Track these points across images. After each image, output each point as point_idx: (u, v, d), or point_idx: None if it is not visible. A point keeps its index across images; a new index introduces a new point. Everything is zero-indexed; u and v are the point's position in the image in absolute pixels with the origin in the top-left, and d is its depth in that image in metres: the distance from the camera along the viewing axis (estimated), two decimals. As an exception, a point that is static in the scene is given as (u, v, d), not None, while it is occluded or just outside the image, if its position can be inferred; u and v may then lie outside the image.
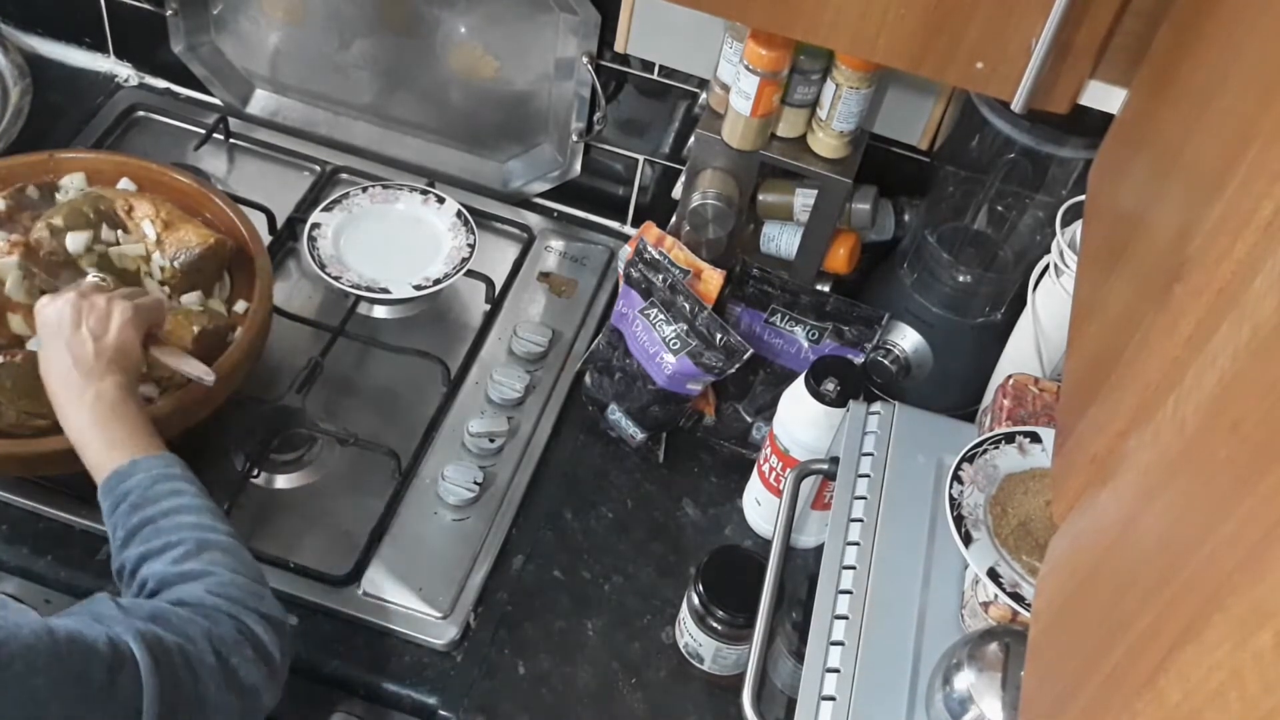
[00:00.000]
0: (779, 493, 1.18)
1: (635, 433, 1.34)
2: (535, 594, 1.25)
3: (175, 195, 1.34)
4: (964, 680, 0.85)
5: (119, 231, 1.29)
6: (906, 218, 1.40)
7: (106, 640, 0.86)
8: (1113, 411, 0.63)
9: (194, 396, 1.18)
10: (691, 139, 1.36)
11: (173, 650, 0.89)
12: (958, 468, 0.96)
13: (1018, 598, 0.87)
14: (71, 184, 1.33)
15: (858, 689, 0.89)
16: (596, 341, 1.39)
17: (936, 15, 0.93)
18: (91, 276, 1.22)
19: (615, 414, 1.35)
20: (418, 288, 1.41)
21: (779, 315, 1.34)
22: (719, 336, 1.26)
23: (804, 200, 1.34)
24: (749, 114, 1.22)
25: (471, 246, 1.45)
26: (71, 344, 1.06)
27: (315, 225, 1.45)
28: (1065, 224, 1.14)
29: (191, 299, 1.27)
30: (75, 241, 1.25)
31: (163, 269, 1.27)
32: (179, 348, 1.17)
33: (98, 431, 1.04)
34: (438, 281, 1.41)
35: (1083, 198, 1.01)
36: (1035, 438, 0.99)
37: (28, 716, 0.81)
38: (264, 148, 1.61)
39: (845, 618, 0.93)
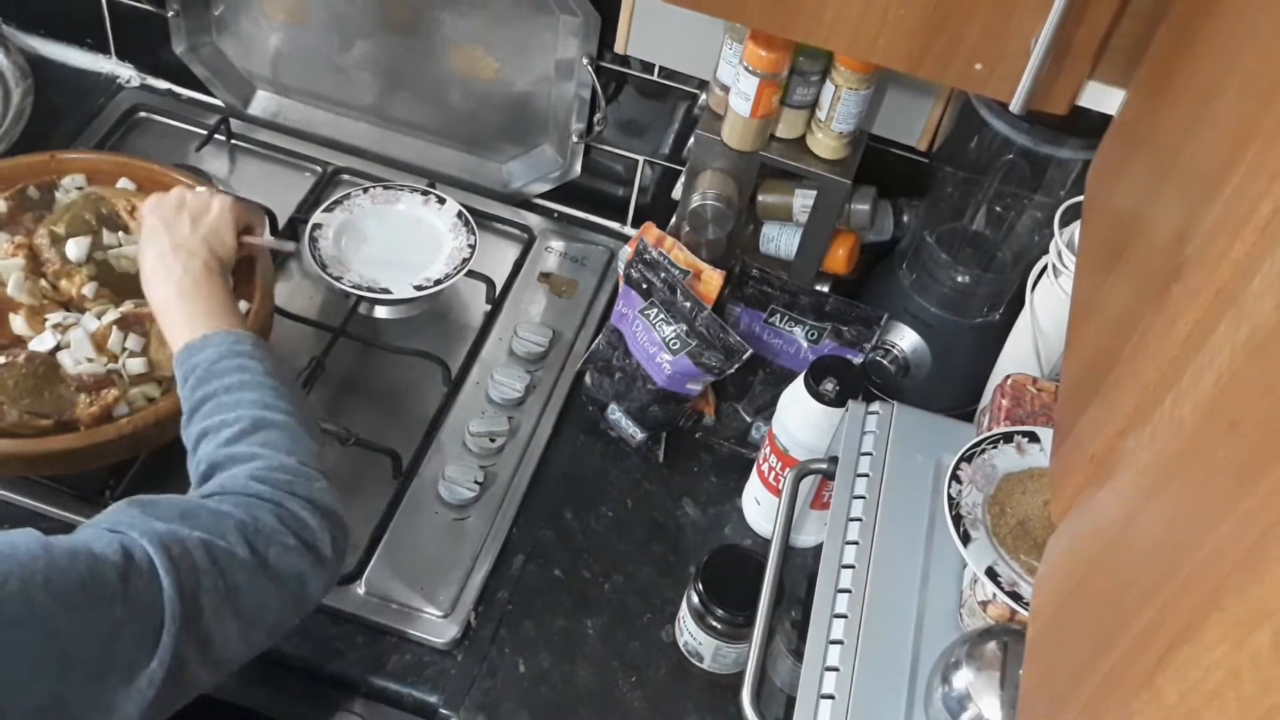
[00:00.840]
0: (778, 492, 1.18)
1: (635, 433, 1.34)
2: (535, 593, 1.25)
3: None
4: (962, 679, 0.85)
5: (120, 234, 1.29)
6: (905, 218, 1.40)
7: (118, 547, 0.84)
8: (1111, 411, 0.63)
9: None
10: (691, 140, 1.37)
11: (194, 548, 0.87)
12: (956, 467, 0.96)
13: (1016, 597, 0.87)
14: (71, 184, 1.34)
15: (857, 687, 0.89)
16: (596, 341, 1.39)
17: (935, 16, 0.93)
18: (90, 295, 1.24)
19: (615, 414, 1.35)
20: (418, 288, 1.41)
21: (778, 315, 1.34)
22: (719, 336, 1.26)
23: (803, 201, 1.35)
24: (748, 115, 1.23)
25: (472, 247, 1.45)
26: (172, 223, 1.15)
27: (316, 226, 1.45)
28: (1064, 224, 1.14)
29: None
30: (76, 248, 1.25)
31: None
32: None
33: (180, 305, 1.08)
34: (438, 282, 1.42)
35: (1081, 198, 1.01)
36: (1033, 437, 0.99)
37: (39, 634, 0.78)
38: (265, 148, 1.61)
39: (844, 616, 0.93)
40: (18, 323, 1.21)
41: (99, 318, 1.22)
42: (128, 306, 1.26)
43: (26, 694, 0.78)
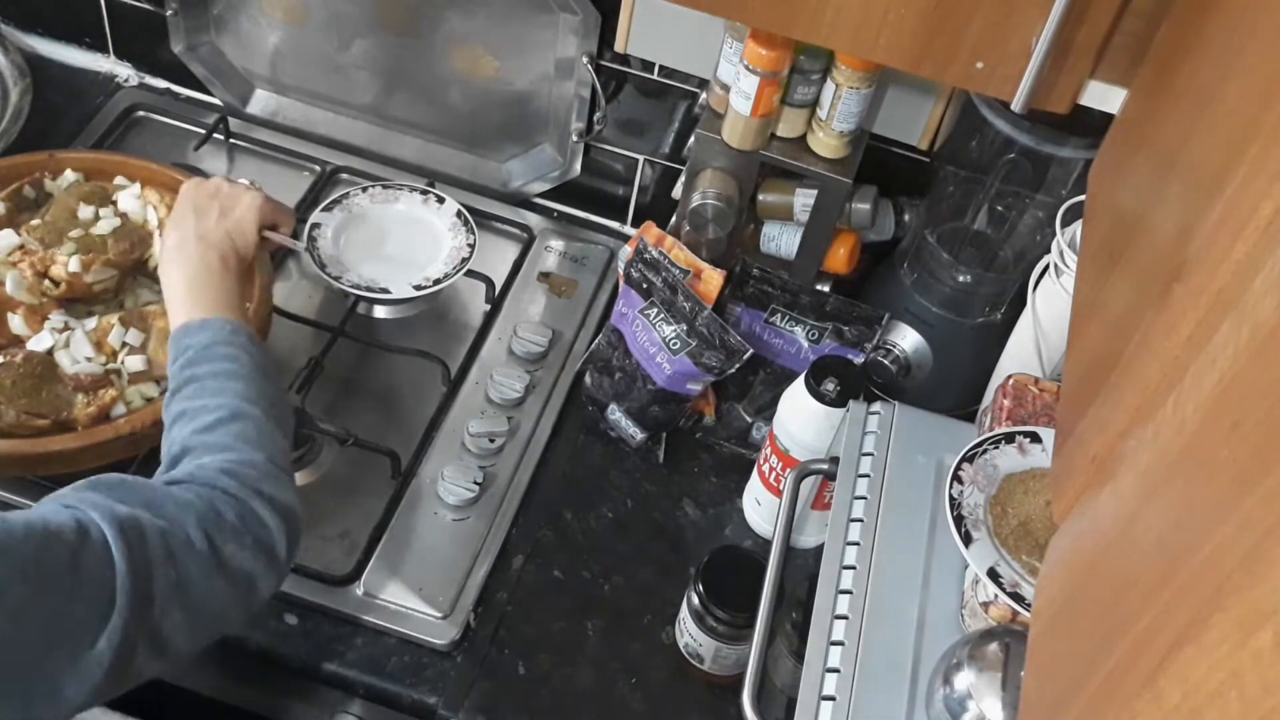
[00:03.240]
0: (779, 493, 1.18)
1: (635, 433, 1.34)
2: (535, 594, 1.25)
3: (176, 195, 1.34)
4: (964, 680, 0.85)
5: (99, 209, 1.30)
6: (906, 218, 1.40)
7: (73, 523, 0.84)
8: (1112, 411, 0.63)
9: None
10: (691, 139, 1.36)
11: (152, 534, 0.88)
12: (958, 468, 0.96)
13: (1018, 598, 0.87)
14: (63, 181, 1.34)
15: (858, 689, 0.89)
16: (596, 341, 1.39)
17: (936, 15, 0.93)
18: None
19: (615, 414, 1.35)
20: (418, 288, 1.41)
21: (779, 315, 1.34)
22: (719, 336, 1.26)
23: (804, 200, 1.34)
24: (749, 114, 1.22)
25: (471, 246, 1.45)
26: (203, 210, 1.17)
27: (315, 225, 1.45)
28: (1065, 224, 1.14)
29: None
30: (66, 248, 1.26)
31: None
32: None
33: (188, 290, 1.09)
34: (438, 281, 1.41)
35: (1083, 198, 1.01)
36: (1035, 438, 0.99)
37: None
38: (264, 148, 1.61)
39: (845, 618, 0.93)
40: (16, 322, 1.21)
41: (99, 315, 1.23)
42: (130, 304, 1.27)
43: None
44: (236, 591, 0.93)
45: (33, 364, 1.16)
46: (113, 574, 0.84)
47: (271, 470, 0.98)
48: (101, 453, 1.16)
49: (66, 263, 1.24)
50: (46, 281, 1.25)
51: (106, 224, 1.29)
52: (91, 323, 1.22)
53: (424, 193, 1.50)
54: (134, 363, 1.20)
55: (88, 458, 1.15)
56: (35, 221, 1.27)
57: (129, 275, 1.30)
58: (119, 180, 1.35)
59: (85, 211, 1.29)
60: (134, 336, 1.22)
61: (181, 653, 0.91)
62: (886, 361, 1.34)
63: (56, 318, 1.22)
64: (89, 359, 1.19)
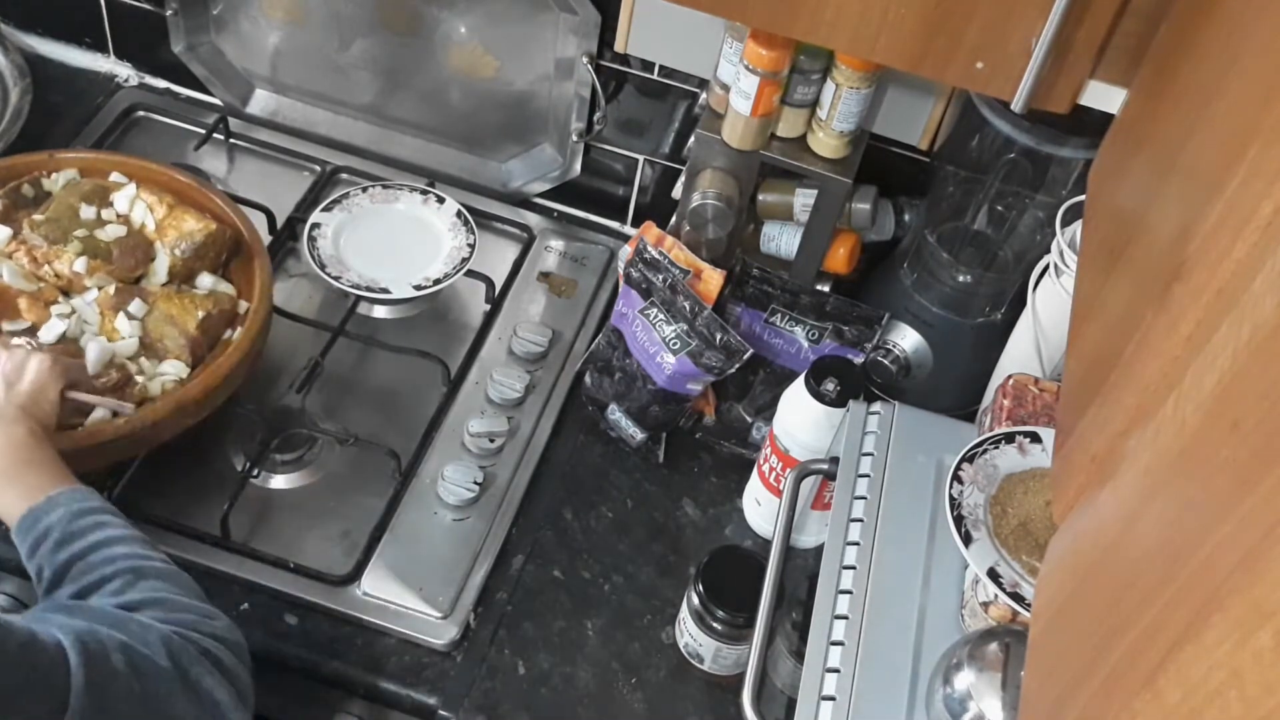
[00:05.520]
0: (779, 493, 1.18)
1: (635, 433, 1.34)
2: (535, 594, 1.25)
3: (175, 195, 1.34)
4: (964, 680, 0.85)
5: (101, 209, 1.31)
6: (906, 218, 1.40)
7: (29, 629, 0.83)
8: (1113, 411, 0.63)
9: (192, 396, 1.18)
10: (691, 139, 1.36)
11: (112, 647, 0.86)
12: (958, 468, 0.96)
13: (1018, 598, 0.87)
14: (61, 179, 1.34)
15: (858, 689, 0.89)
16: (596, 341, 1.39)
17: (936, 15, 0.93)
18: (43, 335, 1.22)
19: (615, 414, 1.35)
20: (418, 288, 1.41)
21: (779, 315, 1.34)
22: (719, 336, 1.26)
23: (804, 200, 1.34)
24: (749, 114, 1.22)
25: (471, 246, 1.45)
26: None
27: (315, 225, 1.45)
28: (1065, 224, 1.14)
29: (206, 282, 1.30)
30: (69, 242, 1.27)
31: (170, 262, 1.28)
32: (95, 391, 1.16)
33: (8, 475, 0.99)
34: (438, 281, 1.41)
35: (1083, 198, 1.01)
36: (1035, 438, 0.99)
37: None
38: (264, 148, 1.61)
39: (845, 618, 0.93)
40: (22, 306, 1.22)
41: (99, 288, 1.25)
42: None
43: None
44: (202, 713, 0.90)
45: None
46: (67, 681, 0.83)
47: (203, 609, 0.95)
48: (102, 453, 1.15)
49: (72, 261, 1.24)
50: (46, 268, 1.25)
51: (112, 230, 1.29)
52: (93, 294, 1.24)
53: (424, 193, 1.50)
54: (130, 328, 1.23)
55: (88, 458, 1.15)
56: (38, 217, 1.27)
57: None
58: (115, 177, 1.35)
59: (87, 211, 1.29)
60: (137, 307, 1.24)
61: None
62: (886, 361, 1.34)
63: (62, 305, 1.24)
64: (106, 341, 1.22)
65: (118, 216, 1.31)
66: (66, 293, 1.26)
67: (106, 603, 0.93)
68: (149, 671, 0.87)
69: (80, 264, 1.24)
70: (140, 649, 0.88)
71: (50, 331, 1.21)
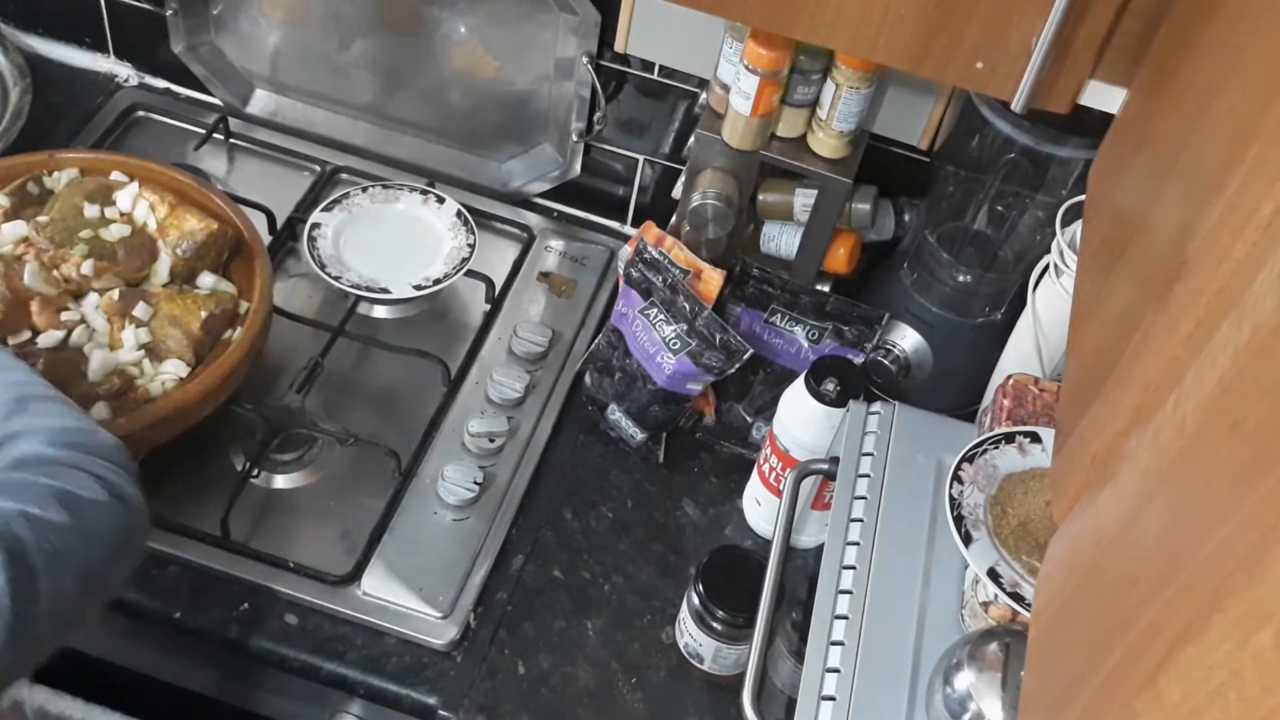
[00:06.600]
0: (779, 493, 1.18)
1: (635, 433, 1.34)
2: (535, 594, 1.25)
3: (176, 194, 1.34)
4: (964, 680, 0.85)
5: (105, 209, 1.30)
6: (906, 218, 1.40)
7: None
8: (1113, 411, 0.63)
9: (193, 397, 1.18)
10: (691, 139, 1.36)
11: (14, 520, 0.86)
12: (958, 468, 0.96)
13: (1018, 598, 0.87)
14: (63, 177, 1.34)
15: (858, 689, 0.89)
16: (596, 341, 1.39)
17: (936, 15, 0.93)
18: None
19: (615, 414, 1.35)
20: (418, 288, 1.41)
21: (779, 315, 1.34)
22: (719, 336, 1.26)
23: (804, 200, 1.34)
24: (749, 114, 1.22)
25: (471, 246, 1.45)
26: None
27: (315, 225, 1.45)
28: (1065, 224, 1.14)
29: (208, 281, 1.30)
30: (76, 245, 1.26)
31: (171, 261, 1.28)
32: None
33: None
34: (438, 281, 1.41)
35: (1083, 198, 1.01)
36: (1035, 438, 0.99)
37: None
38: (264, 148, 1.61)
39: (845, 618, 0.93)
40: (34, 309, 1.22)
41: (103, 291, 1.25)
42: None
43: None
44: (104, 548, 0.91)
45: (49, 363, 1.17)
46: None
47: (85, 424, 0.96)
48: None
49: (80, 264, 1.24)
50: (56, 272, 1.25)
51: (116, 230, 1.28)
52: (96, 298, 1.24)
53: (424, 193, 1.50)
54: (137, 335, 1.22)
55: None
56: (43, 219, 1.27)
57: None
58: (115, 176, 1.35)
59: (91, 210, 1.29)
60: (142, 310, 1.23)
61: (78, 618, 0.91)
62: (886, 361, 1.34)
63: (72, 312, 1.23)
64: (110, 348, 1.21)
65: (121, 215, 1.31)
66: (77, 296, 1.26)
67: None
68: (48, 531, 0.88)
69: (88, 266, 1.24)
70: (33, 510, 0.88)
71: (50, 339, 1.20)
